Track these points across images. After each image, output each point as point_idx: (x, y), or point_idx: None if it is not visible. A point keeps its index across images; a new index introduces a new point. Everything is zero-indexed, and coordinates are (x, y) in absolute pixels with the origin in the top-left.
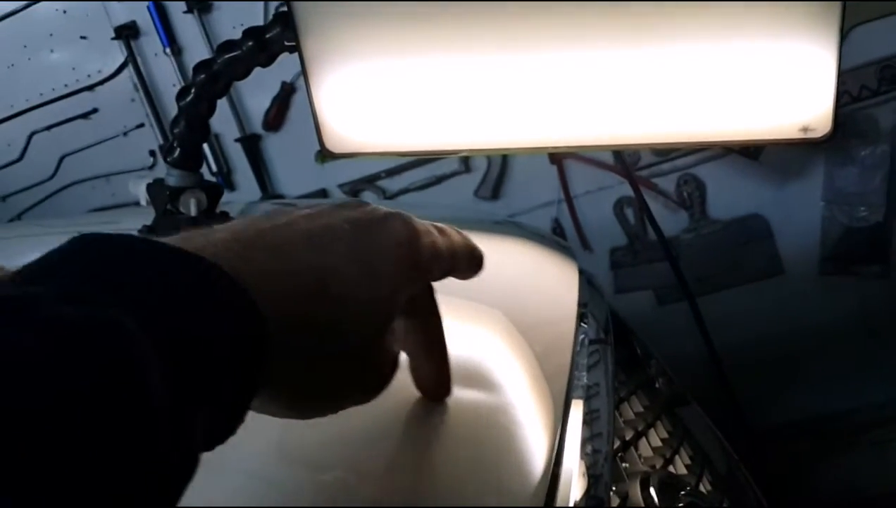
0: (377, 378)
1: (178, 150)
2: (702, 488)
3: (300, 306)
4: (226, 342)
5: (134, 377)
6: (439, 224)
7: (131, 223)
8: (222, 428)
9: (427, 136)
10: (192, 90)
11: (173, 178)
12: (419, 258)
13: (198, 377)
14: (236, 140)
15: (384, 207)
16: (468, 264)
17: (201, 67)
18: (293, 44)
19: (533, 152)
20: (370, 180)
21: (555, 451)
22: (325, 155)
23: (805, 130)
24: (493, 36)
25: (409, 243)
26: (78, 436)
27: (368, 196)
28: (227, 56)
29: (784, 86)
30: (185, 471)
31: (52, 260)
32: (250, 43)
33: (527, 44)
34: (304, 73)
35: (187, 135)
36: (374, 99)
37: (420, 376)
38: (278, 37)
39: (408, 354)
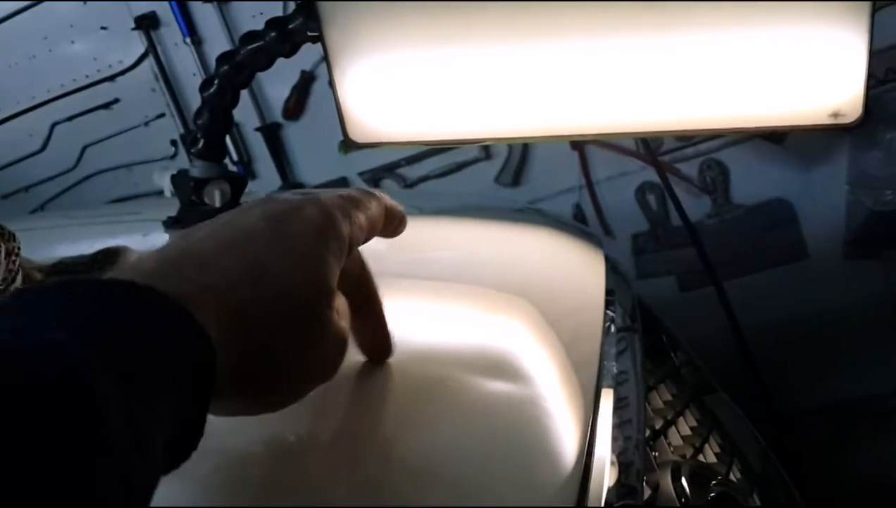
0: (331, 357)
1: (202, 141)
2: (732, 477)
3: (238, 311)
4: (172, 361)
5: (94, 411)
6: (355, 191)
7: (154, 213)
8: (184, 445)
9: (449, 125)
10: (216, 81)
11: (197, 169)
12: (339, 235)
13: (150, 400)
14: (256, 129)
15: (297, 195)
16: (389, 225)
17: (225, 58)
18: (316, 34)
19: (555, 141)
20: (390, 169)
21: (587, 441)
22: (348, 145)
23: (835, 115)
24: (514, 25)
25: (326, 224)
26: (39, 473)
27: (389, 184)
28: (250, 47)
29: (814, 71)
30: (146, 496)
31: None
32: (273, 34)
33: (549, 32)
34: (327, 63)
35: (211, 126)
36: (397, 89)
37: (361, 339)
38: (301, 27)
39: (350, 321)
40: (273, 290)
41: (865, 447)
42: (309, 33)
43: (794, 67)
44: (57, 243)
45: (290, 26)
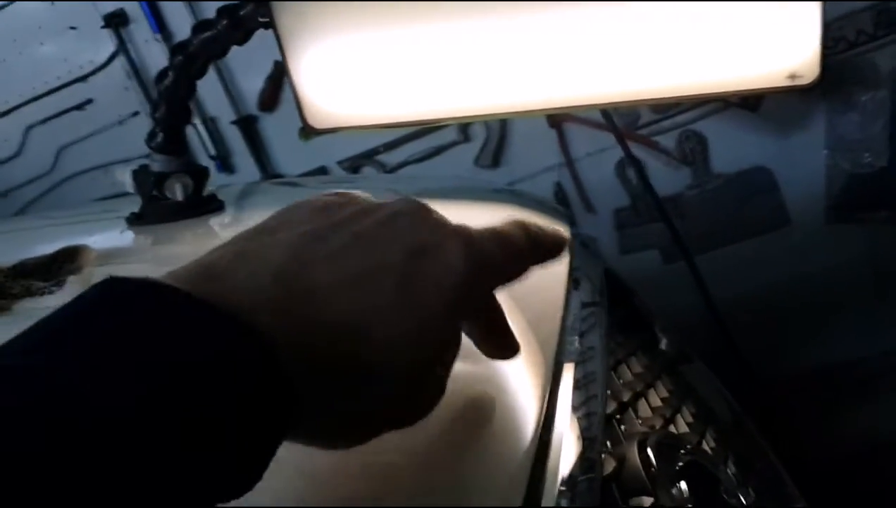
0: (422, 408)
1: (161, 134)
2: (705, 445)
3: (336, 355)
4: (244, 403)
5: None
6: (507, 225)
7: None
8: (247, 477)
9: (412, 106)
10: (170, 73)
11: (158, 163)
12: (478, 293)
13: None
14: (232, 122)
15: (445, 219)
16: (544, 258)
17: (178, 48)
18: (268, 20)
19: (522, 116)
20: (369, 156)
21: (543, 415)
22: (308, 131)
23: (793, 77)
24: (471, 1)
25: (468, 272)
26: None
27: (369, 172)
28: (202, 36)
29: (769, 34)
30: None
31: (69, 318)
32: (225, 21)
33: (505, 7)
34: (280, 49)
35: (169, 118)
36: (355, 72)
37: (487, 350)
38: (252, 14)
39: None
40: (381, 336)
41: (849, 411)
42: (260, 19)
43: (750, 31)
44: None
45: (242, 13)
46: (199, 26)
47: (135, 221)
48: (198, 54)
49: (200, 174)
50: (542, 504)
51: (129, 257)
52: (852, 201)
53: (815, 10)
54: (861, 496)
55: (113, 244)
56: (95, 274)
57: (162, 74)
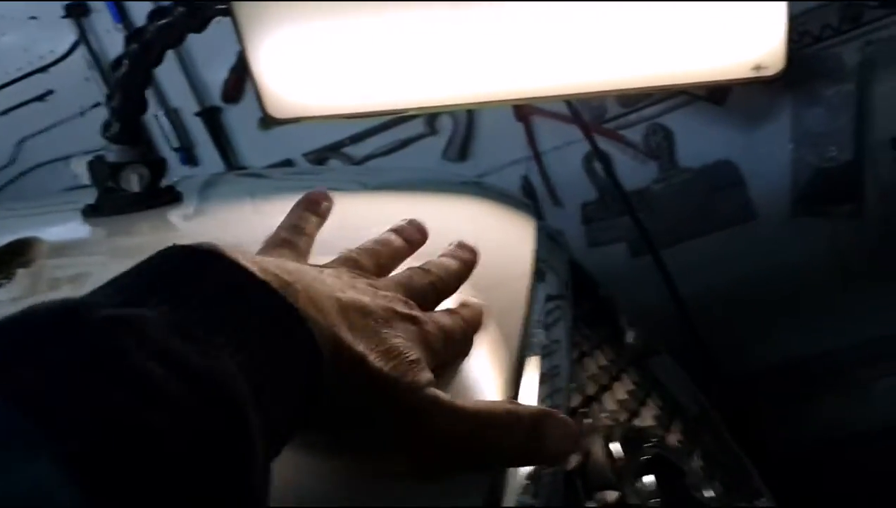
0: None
1: (117, 124)
2: (671, 439)
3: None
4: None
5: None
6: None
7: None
8: (279, 445)
9: (375, 95)
10: (125, 61)
11: (113, 153)
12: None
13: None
14: (196, 114)
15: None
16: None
17: (134, 36)
18: (224, 7)
19: (487, 106)
20: (334, 148)
21: None
22: (268, 121)
23: (758, 68)
24: None
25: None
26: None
27: (335, 164)
28: (158, 24)
29: (735, 25)
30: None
31: (154, 275)
32: (181, 9)
33: None
34: (238, 37)
35: (124, 108)
36: (317, 60)
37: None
38: (209, 2)
39: None
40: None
41: (816, 404)
42: (218, 7)
43: (715, 22)
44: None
45: (198, 1)
46: (155, 13)
47: (90, 212)
48: (154, 42)
49: (157, 165)
50: (505, 500)
51: (84, 249)
52: (818, 195)
53: (781, 2)
54: (827, 488)
55: (68, 236)
56: (47, 267)
57: (117, 63)
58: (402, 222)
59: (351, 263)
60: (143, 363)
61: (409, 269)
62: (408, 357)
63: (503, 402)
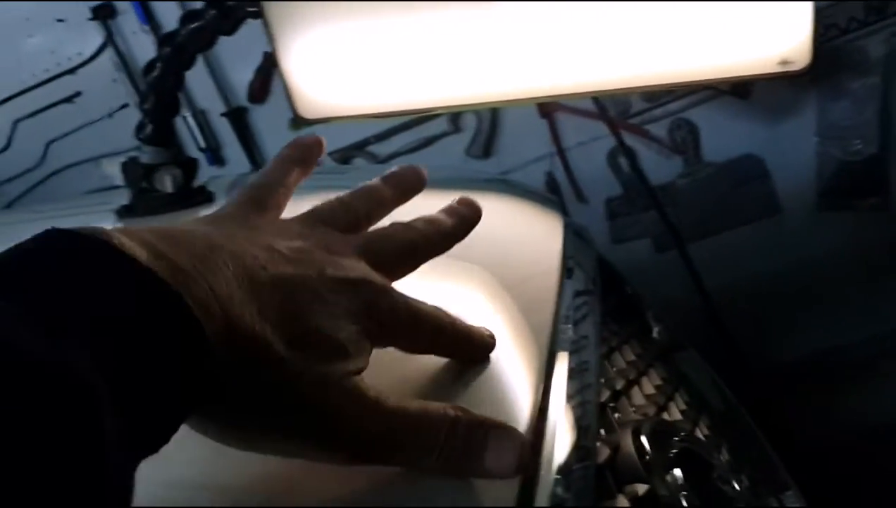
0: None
1: (150, 126)
2: (698, 433)
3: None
4: (170, 360)
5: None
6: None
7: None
8: (156, 437)
9: (402, 95)
10: (158, 64)
11: (147, 155)
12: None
13: (141, 395)
14: (222, 115)
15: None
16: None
17: (166, 39)
18: (256, 10)
19: (513, 104)
20: (360, 147)
21: (538, 405)
22: (298, 122)
23: (784, 62)
24: None
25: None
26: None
27: (360, 162)
28: (190, 26)
29: (761, 20)
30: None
31: (18, 259)
32: (213, 12)
33: None
34: (269, 39)
35: (157, 110)
36: (345, 61)
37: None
38: (240, 3)
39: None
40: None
41: (841, 397)
42: (248, 9)
43: (741, 18)
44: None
45: (230, 3)
46: (187, 17)
47: (124, 213)
48: (186, 45)
49: (189, 166)
50: (537, 493)
51: None
52: (843, 188)
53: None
54: (853, 481)
55: None
56: None
57: (150, 66)
58: (396, 168)
59: (316, 217)
60: None
61: (392, 223)
62: (329, 341)
63: (441, 406)
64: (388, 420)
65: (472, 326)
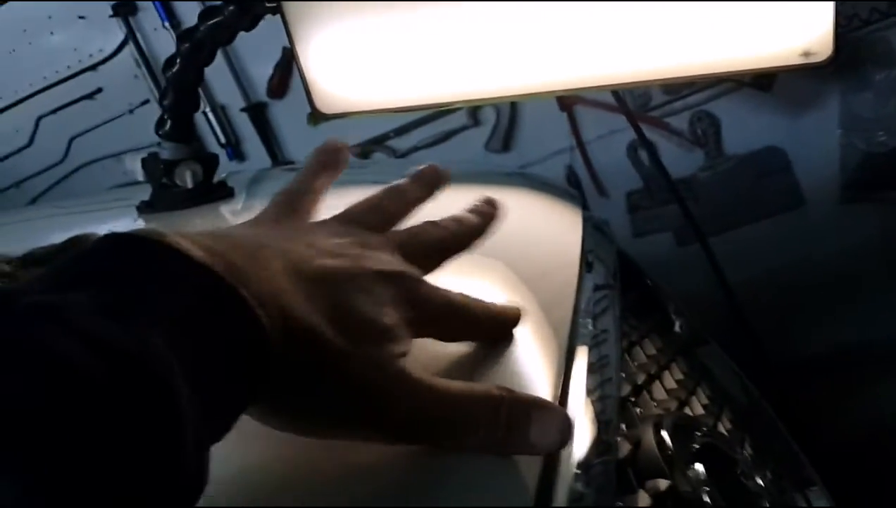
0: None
1: (170, 122)
2: (720, 427)
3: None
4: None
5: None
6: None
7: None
8: (222, 424)
9: (421, 89)
10: (178, 60)
11: (167, 151)
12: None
13: (209, 391)
14: (242, 110)
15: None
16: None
17: (185, 35)
18: (275, 5)
19: (532, 98)
20: (379, 141)
21: (557, 400)
22: (317, 116)
23: (806, 54)
24: None
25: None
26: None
27: (379, 157)
28: (210, 22)
29: (782, 11)
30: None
31: (82, 262)
32: (232, 8)
33: None
34: (287, 34)
35: (177, 106)
36: (364, 56)
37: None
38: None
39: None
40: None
41: (866, 392)
42: (267, 4)
43: (763, 9)
44: (44, 233)
45: None
46: (206, 13)
47: (145, 209)
48: (205, 41)
49: (210, 161)
50: (557, 488)
51: None
52: (867, 181)
53: None
54: (877, 476)
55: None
56: None
57: (169, 62)
58: (420, 168)
59: (349, 217)
60: (64, 347)
61: (423, 222)
62: (375, 326)
63: (486, 386)
64: (437, 399)
65: (500, 307)
